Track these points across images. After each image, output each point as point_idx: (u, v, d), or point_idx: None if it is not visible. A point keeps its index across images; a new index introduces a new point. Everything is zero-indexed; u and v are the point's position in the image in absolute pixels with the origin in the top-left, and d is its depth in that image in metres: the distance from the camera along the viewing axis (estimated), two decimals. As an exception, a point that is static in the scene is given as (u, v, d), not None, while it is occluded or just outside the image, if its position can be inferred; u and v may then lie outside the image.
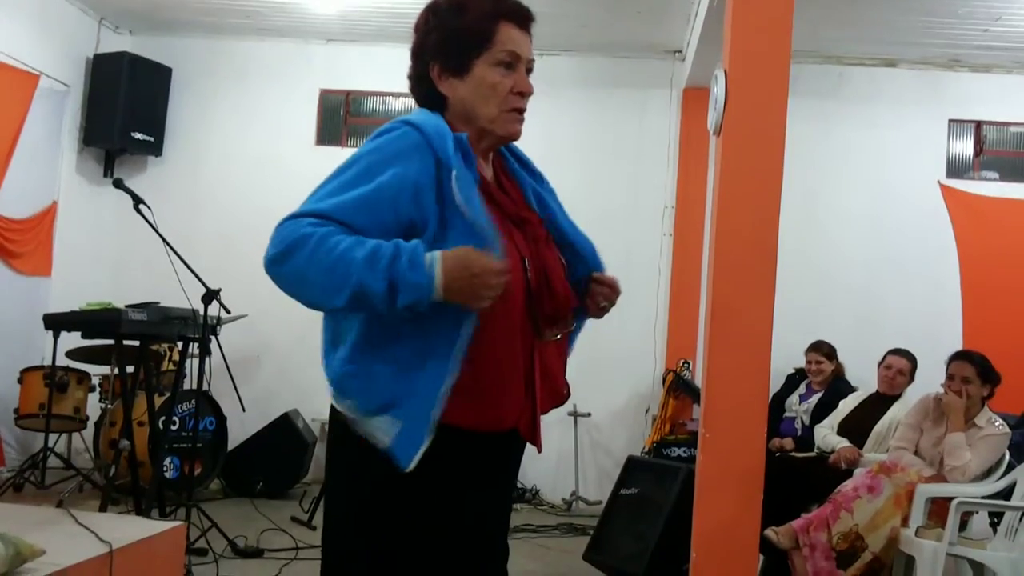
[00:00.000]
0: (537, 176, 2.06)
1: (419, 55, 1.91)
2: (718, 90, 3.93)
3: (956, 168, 7.25)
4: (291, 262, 1.68)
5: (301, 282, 1.70)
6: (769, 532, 4.13)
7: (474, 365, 1.74)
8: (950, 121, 7.23)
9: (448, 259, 1.66)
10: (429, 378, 1.72)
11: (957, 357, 4.61)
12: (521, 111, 1.90)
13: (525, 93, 1.89)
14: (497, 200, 1.88)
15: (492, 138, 1.91)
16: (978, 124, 7.26)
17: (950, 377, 4.55)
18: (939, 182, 7.11)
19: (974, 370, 4.49)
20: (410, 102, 8.23)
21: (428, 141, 1.77)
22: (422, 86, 1.91)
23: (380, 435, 1.75)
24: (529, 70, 1.91)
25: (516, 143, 2.03)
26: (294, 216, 1.73)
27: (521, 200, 1.97)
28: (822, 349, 5.82)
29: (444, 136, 1.78)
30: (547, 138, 7.16)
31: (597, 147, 7.33)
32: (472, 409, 1.75)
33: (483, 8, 1.86)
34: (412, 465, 1.72)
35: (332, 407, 1.86)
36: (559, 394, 1.95)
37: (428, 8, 1.92)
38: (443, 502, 1.80)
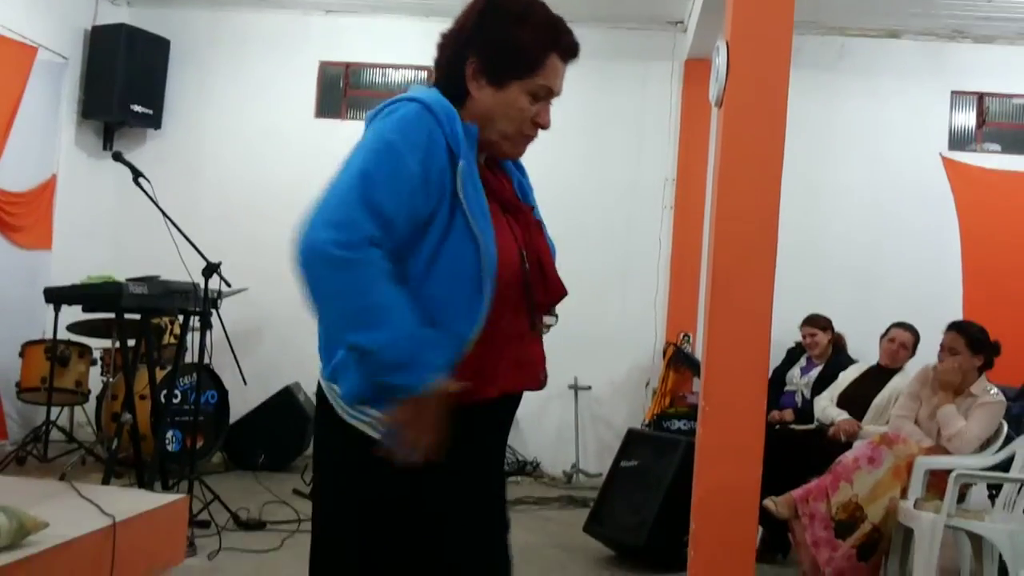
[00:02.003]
0: (520, 168, 2.06)
1: (461, 42, 1.86)
2: (720, 62, 3.91)
3: (958, 140, 7.22)
4: (345, 276, 1.63)
5: (324, 300, 1.67)
6: (768, 502, 4.15)
7: (474, 350, 1.74)
8: (952, 93, 7.19)
9: (426, 402, 1.66)
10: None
11: (950, 328, 4.62)
12: (532, 139, 1.91)
13: (544, 127, 1.90)
14: (494, 188, 1.87)
15: (493, 150, 1.91)
16: (980, 96, 7.22)
17: (941, 347, 4.56)
18: (941, 154, 7.09)
19: (963, 341, 4.49)
20: (409, 74, 8.21)
21: (439, 123, 1.75)
22: (451, 71, 1.86)
23: (365, 426, 1.75)
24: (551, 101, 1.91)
25: None
26: (357, 203, 1.65)
27: (511, 189, 1.97)
28: (817, 322, 5.82)
29: (453, 120, 1.77)
30: (548, 110, 7.14)
31: (598, 119, 7.30)
32: (468, 388, 1.73)
33: (543, 33, 1.85)
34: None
35: (319, 385, 1.85)
36: (536, 380, 1.92)
37: (491, 3, 1.86)
38: (438, 475, 1.77)
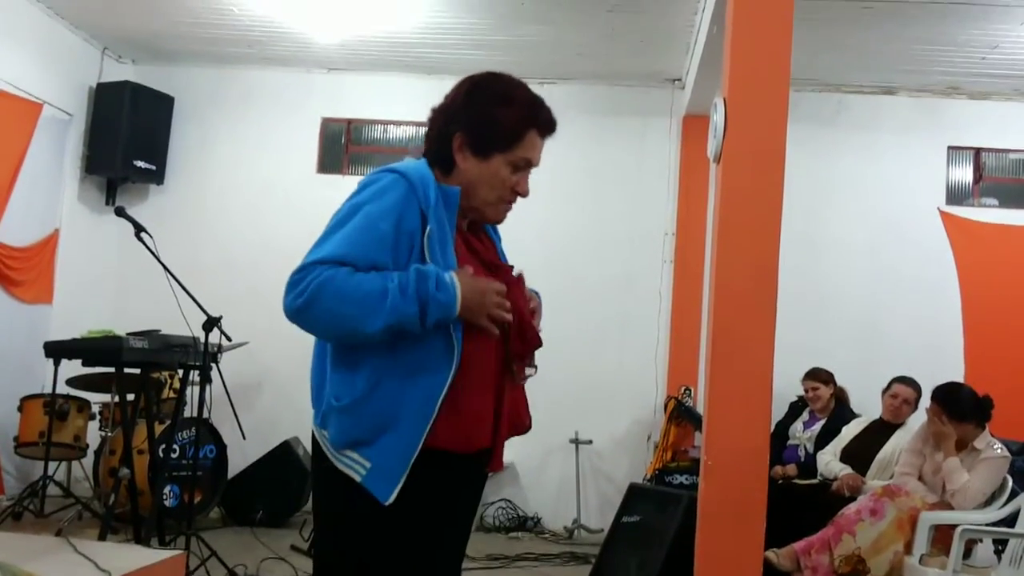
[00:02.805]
0: (497, 234, 2.23)
1: (449, 118, 2.04)
2: (718, 118, 3.96)
3: (956, 195, 7.27)
4: (319, 305, 1.82)
5: (333, 319, 1.84)
6: (770, 553, 4.11)
7: (455, 394, 1.89)
8: (949, 148, 7.26)
9: (463, 279, 1.88)
10: (411, 423, 1.86)
11: (932, 396, 4.58)
12: (511, 204, 2.09)
13: (523, 195, 2.09)
14: (475, 247, 2.06)
15: (477, 215, 2.09)
16: (977, 151, 7.29)
17: (927, 411, 4.55)
18: (939, 209, 7.13)
19: (945, 413, 4.44)
20: (409, 130, 8.32)
21: (414, 190, 1.93)
22: (440, 143, 2.04)
23: (350, 470, 1.89)
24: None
25: None
26: (305, 266, 1.86)
27: (494, 249, 2.16)
28: (818, 376, 5.82)
29: (427, 186, 1.94)
30: (547, 166, 7.15)
31: (597, 174, 7.36)
32: (447, 433, 1.89)
33: (523, 111, 2.03)
34: (391, 500, 1.86)
35: (313, 435, 1.99)
36: (522, 425, 2.09)
37: (476, 82, 2.06)
38: (418, 523, 1.91)
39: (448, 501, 1.98)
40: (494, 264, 2.08)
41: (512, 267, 2.14)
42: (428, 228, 1.91)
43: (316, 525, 2.07)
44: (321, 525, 2.03)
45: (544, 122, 2.06)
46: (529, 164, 2.07)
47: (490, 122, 2.00)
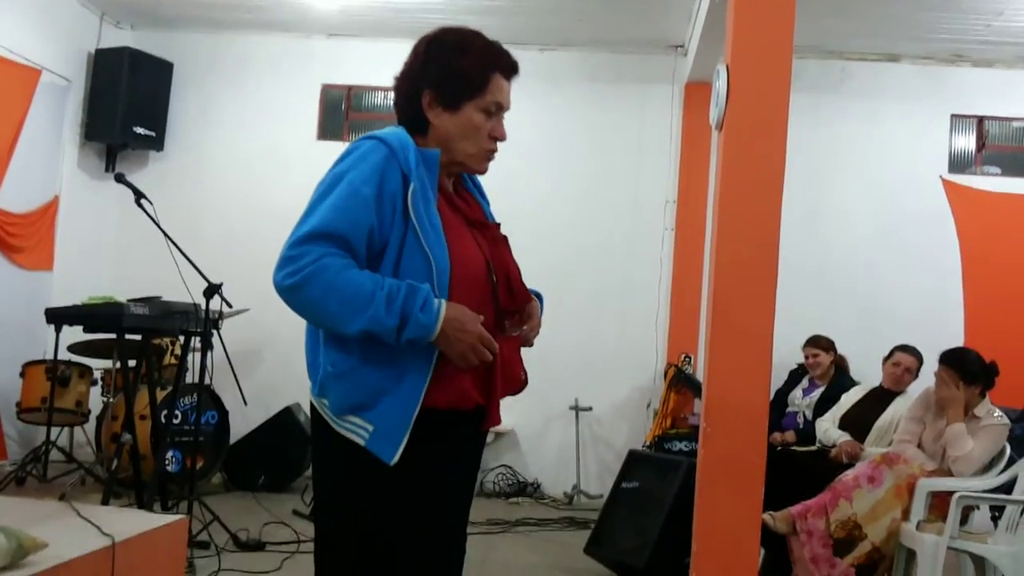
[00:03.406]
0: (487, 201, 2.24)
1: (413, 80, 2.05)
2: (720, 85, 3.93)
3: (958, 163, 7.25)
4: (309, 291, 1.85)
5: (316, 309, 1.88)
6: (766, 516, 4.13)
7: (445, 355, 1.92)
8: (952, 116, 7.23)
9: (450, 310, 1.88)
10: (409, 383, 1.90)
11: (941, 360, 4.58)
12: (493, 152, 2.09)
13: (500, 139, 2.09)
14: (458, 206, 2.07)
15: (462, 168, 2.11)
16: (980, 119, 7.26)
17: (935, 376, 4.55)
18: (941, 177, 7.11)
19: (956, 374, 4.44)
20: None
21: (394, 154, 1.94)
22: (410, 106, 2.06)
23: (353, 435, 1.91)
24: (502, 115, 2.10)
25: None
26: (299, 241, 1.87)
27: (479, 209, 2.17)
28: (819, 343, 5.82)
29: (407, 148, 1.95)
30: (549, 133, 7.17)
31: (599, 142, 7.33)
32: (442, 391, 1.92)
33: (482, 57, 2.03)
34: (395, 459, 1.88)
35: (311, 402, 2.02)
36: (516, 380, 2.10)
37: (430, 39, 2.07)
38: (422, 484, 1.94)
39: (450, 460, 2.00)
40: (480, 222, 2.09)
41: (499, 224, 2.16)
42: (411, 186, 1.92)
43: (318, 493, 2.07)
44: (324, 493, 2.04)
45: (506, 65, 2.06)
46: (500, 108, 2.06)
47: (454, 73, 2.01)
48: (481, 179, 2.22)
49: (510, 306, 2.05)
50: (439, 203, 1.99)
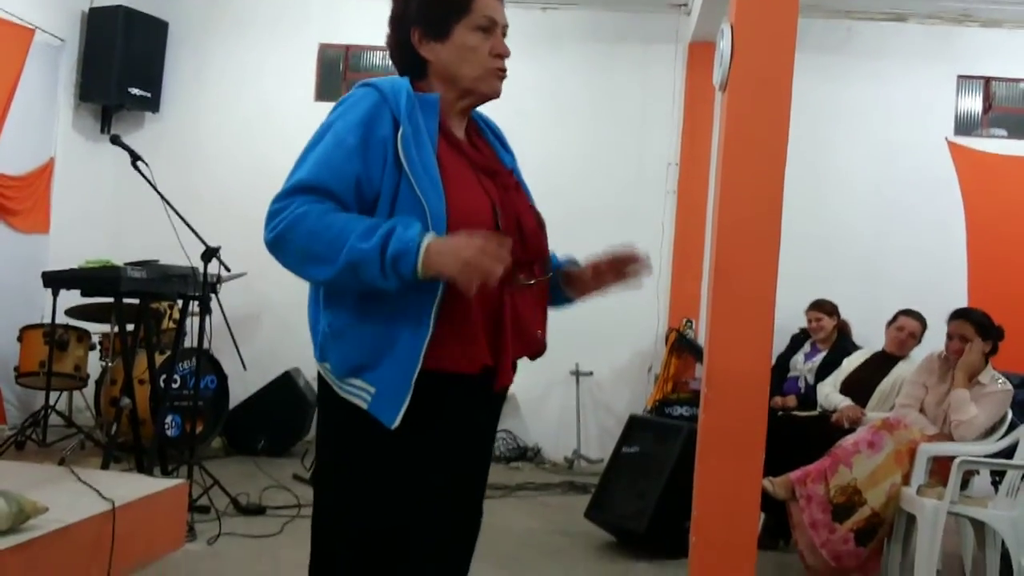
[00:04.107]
0: (512, 155, 2.13)
1: (399, 22, 2.00)
2: (724, 45, 3.86)
3: (964, 125, 7.17)
4: (292, 239, 1.79)
5: (303, 258, 1.80)
6: (765, 482, 4.12)
7: (450, 308, 1.81)
8: (959, 77, 7.15)
9: (438, 237, 1.76)
10: (408, 341, 1.81)
11: (955, 316, 4.58)
12: (502, 71, 1.98)
13: (504, 55, 1.98)
14: (465, 151, 1.96)
15: (475, 96, 1.99)
16: (987, 80, 7.17)
17: (949, 336, 4.53)
18: (947, 139, 7.05)
19: (972, 328, 4.46)
20: (410, 57, 8.01)
21: (385, 99, 1.87)
22: (403, 52, 2.00)
23: (356, 398, 1.85)
24: (504, 35, 1.99)
25: (493, 121, 2.14)
26: (283, 195, 1.82)
27: (492, 156, 2.05)
28: (823, 307, 5.79)
29: (398, 93, 1.88)
30: (550, 93, 7.09)
31: (601, 103, 7.25)
32: (445, 352, 1.83)
33: None
34: (396, 422, 1.81)
35: (318, 373, 1.96)
36: (533, 340, 1.99)
37: None
38: (428, 450, 1.87)
39: (459, 425, 1.91)
40: (489, 168, 1.98)
41: (512, 171, 2.06)
42: (402, 129, 1.84)
43: (320, 460, 2.01)
44: (327, 461, 1.99)
45: None
46: (494, 23, 1.96)
47: (433, 1, 1.95)
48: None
49: (522, 255, 1.91)
50: (440, 148, 1.89)
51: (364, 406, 1.83)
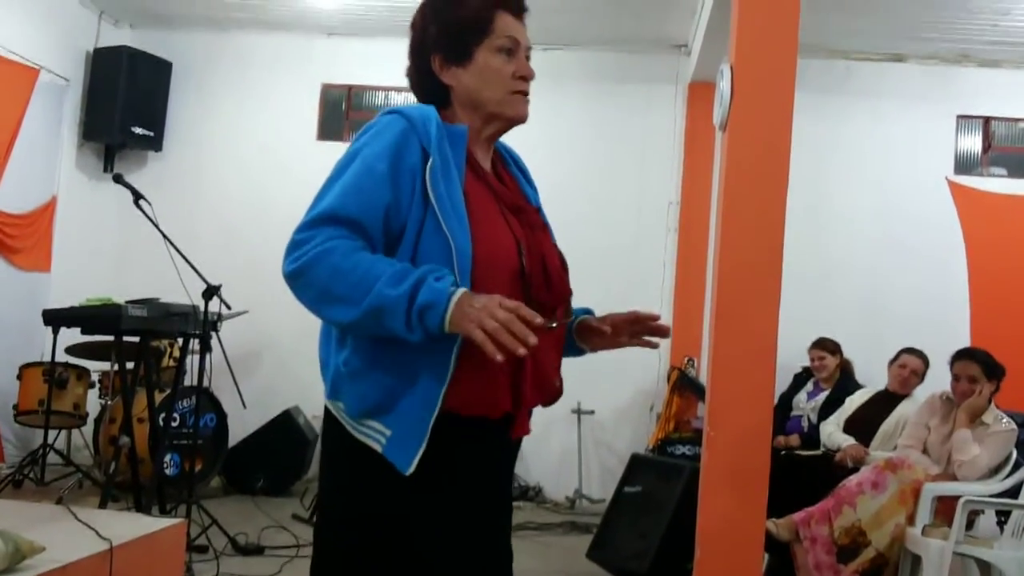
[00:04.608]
0: (535, 190, 2.07)
1: (419, 51, 1.93)
2: (724, 85, 3.89)
3: (964, 164, 7.20)
4: (313, 275, 1.69)
5: (323, 296, 1.70)
6: (769, 524, 4.09)
7: (471, 350, 1.68)
8: (958, 117, 7.19)
9: (468, 294, 1.66)
10: (427, 382, 1.72)
11: (960, 356, 4.57)
12: (526, 93, 1.92)
13: (528, 77, 1.91)
14: (492, 186, 1.88)
15: (500, 121, 1.92)
16: (987, 120, 7.22)
17: (956, 377, 4.51)
18: (947, 178, 7.07)
19: (979, 368, 4.46)
20: (411, 97, 8.20)
21: (413, 127, 1.79)
22: (424, 81, 1.93)
23: (371, 440, 1.75)
24: (528, 57, 1.93)
25: (517, 154, 2.07)
26: (308, 224, 1.72)
27: (518, 191, 1.97)
28: (825, 346, 5.78)
29: (428, 121, 1.80)
30: (551, 133, 7.13)
31: (602, 142, 7.30)
32: (465, 396, 1.74)
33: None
34: (411, 468, 1.72)
35: (326, 407, 1.86)
36: (551, 388, 1.91)
37: (424, 5, 1.94)
38: (442, 496, 1.77)
39: (475, 472, 1.82)
40: (516, 205, 1.89)
41: (539, 209, 1.98)
42: (431, 160, 1.75)
43: (325, 503, 1.90)
44: (333, 504, 1.87)
45: (509, 1, 1.91)
46: (517, 44, 1.89)
47: (453, 24, 1.87)
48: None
49: (546, 299, 1.82)
50: (468, 181, 1.81)
51: (379, 449, 1.74)
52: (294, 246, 1.71)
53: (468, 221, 1.75)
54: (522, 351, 1.60)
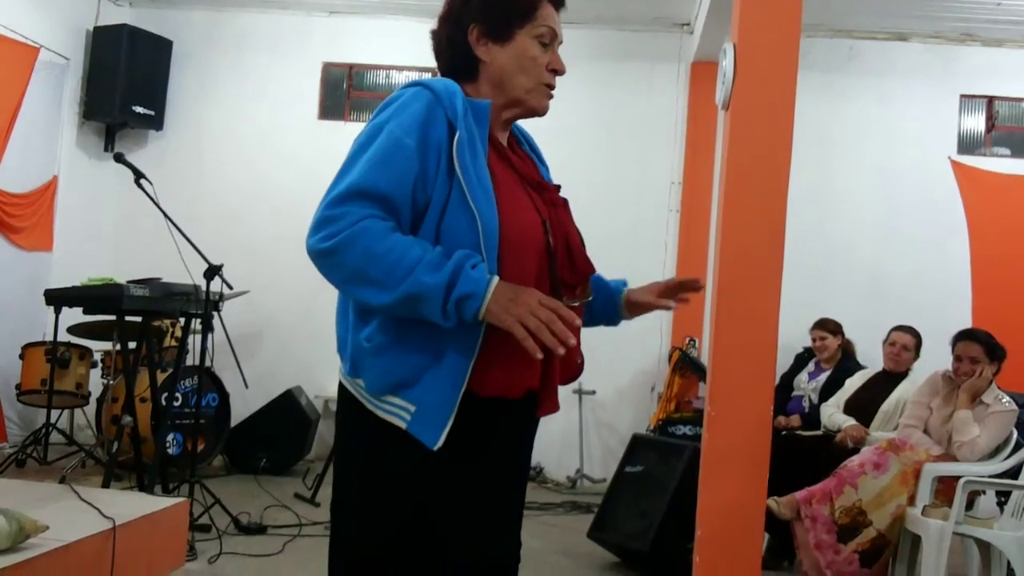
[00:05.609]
0: (548, 170, 2.06)
1: (456, 18, 1.88)
2: (727, 64, 3.87)
3: (967, 144, 7.17)
4: (347, 256, 1.65)
5: (354, 277, 1.67)
6: (771, 502, 4.11)
7: (492, 330, 1.69)
8: (961, 96, 7.15)
9: (502, 282, 1.66)
10: (454, 358, 1.70)
11: (962, 337, 4.58)
12: (553, 88, 1.93)
13: (559, 72, 1.93)
14: (513, 163, 1.86)
15: (522, 108, 1.91)
16: (990, 99, 7.18)
17: (957, 358, 4.52)
18: (950, 158, 7.04)
19: (981, 349, 4.46)
20: (413, 76, 8.22)
21: (439, 100, 1.75)
22: (453, 51, 1.89)
23: (394, 417, 1.72)
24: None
25: (530, 134, 2.07)
26: (337, 200, 1.67)
27: (535, 168, 1.97)
28: (826, 326, 5.78)
29: (454, 95, 1.76)
30: (553, 112, 7.02)
31: (604, 121, 7.27)
32: (492, 372, 1.72)
33: None
34: (439, 443, 1.69)
35: (340, 384, 1.83)
36: (573, 364, 1.92)
37: None
38: (465, 476, 1.77)
39: (498, 450, 1.81)
40: (536, 182, 1.88)
41: (559, 187, 1.95)
42: (457, 135, 1.72)
43: (342, 484, 1.85)
44: (351, 484, 1.83)
45: None
46: (555, 36, 1.91)
47: (499, 1, 1.85)
48: None
49: (570, 278, 1.83)
50: (489, 158, 1.78)
51: (403, 425, 1.70)
52: (324, 222, 1.66)
53: (495, 198, 1.73)
54: (561, 351, 1.62)
